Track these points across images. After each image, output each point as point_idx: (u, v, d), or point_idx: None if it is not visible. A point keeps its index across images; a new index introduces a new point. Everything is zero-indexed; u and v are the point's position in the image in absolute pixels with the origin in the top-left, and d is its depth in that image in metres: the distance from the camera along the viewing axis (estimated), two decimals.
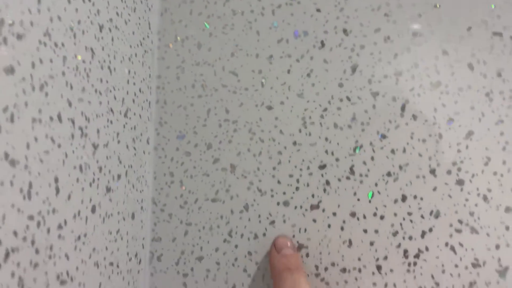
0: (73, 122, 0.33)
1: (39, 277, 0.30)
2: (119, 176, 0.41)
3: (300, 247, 0.45)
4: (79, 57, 0.34)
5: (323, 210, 0.45)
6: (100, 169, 0.37)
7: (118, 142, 0.41)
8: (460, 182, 0.43)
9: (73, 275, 0.34)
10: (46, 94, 0.30)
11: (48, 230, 0.31)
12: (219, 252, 0.46)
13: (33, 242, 0.29)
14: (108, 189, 0.39)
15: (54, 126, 0.31)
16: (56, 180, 0.31)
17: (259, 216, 0.46)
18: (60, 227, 0.32)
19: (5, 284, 0.26)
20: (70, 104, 0.33)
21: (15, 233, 0.27)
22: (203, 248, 0.47)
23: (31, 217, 0.29)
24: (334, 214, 0.45)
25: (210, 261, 0.46)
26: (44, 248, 0.30)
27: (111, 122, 0.39)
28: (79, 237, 0.34)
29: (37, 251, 0.29)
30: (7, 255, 0.26)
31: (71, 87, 0.33)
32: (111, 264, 0.40)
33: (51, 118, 0.31)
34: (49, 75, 0.30)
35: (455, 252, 0.43)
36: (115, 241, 0.40)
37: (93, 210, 0.36)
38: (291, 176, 0.46)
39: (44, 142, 0.30)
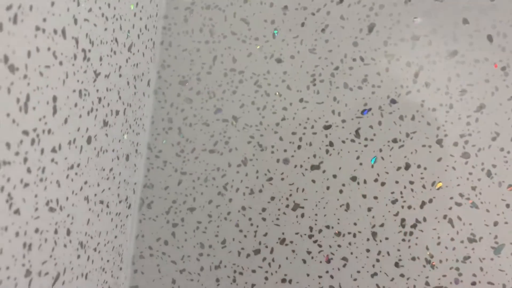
0: (77, 41, 0.31)
1: (28, 198, 0.28)
2: (117, 112, 0.39)
3: (295, 207, 0.44)
4: None
5: (324, 172, 0.44)
6: (100, 99, 0.35)
7: (120, 76, 0.38)
8: (465, 155, 0.43)
9: (62, 205, 0.32)
10: (52, 3, 0.28)
11: (42, 151, 0.29)
12: (212, 205, 0.45)
13: (25, 160, 0.27)
14: (106, 123, 0.37)
15: (58, 41, 0.29)
16: (55, 99, 0.29)
17: (257, 171, 0.45)
18: (54, 150, 0.30)
19: None
20: (75, 22, 0.30)
21: (7, 145, 0.25)
22: (196, 199, 0.45)
23: (25, 132, 0.27)
24: (335, 176, 0.44)
25: (202, 213, 0.45)
26: (36, 168, 0.28)
27: (115, 52, 0.37)
28: (72, 166, 0.32)
29: (28, 170, 0.27)
30: None
31: (78, 3, 0.31)
32: (101, 202, 0.38)
33: (55, 31, 0.28)
34: None
35: (452, 225, 0.43)
36: (107, 179, 0.39)
37: (89, 141, 0.34)
38: (294, 133, 0.44)
39: (46, 55, 0.28)
